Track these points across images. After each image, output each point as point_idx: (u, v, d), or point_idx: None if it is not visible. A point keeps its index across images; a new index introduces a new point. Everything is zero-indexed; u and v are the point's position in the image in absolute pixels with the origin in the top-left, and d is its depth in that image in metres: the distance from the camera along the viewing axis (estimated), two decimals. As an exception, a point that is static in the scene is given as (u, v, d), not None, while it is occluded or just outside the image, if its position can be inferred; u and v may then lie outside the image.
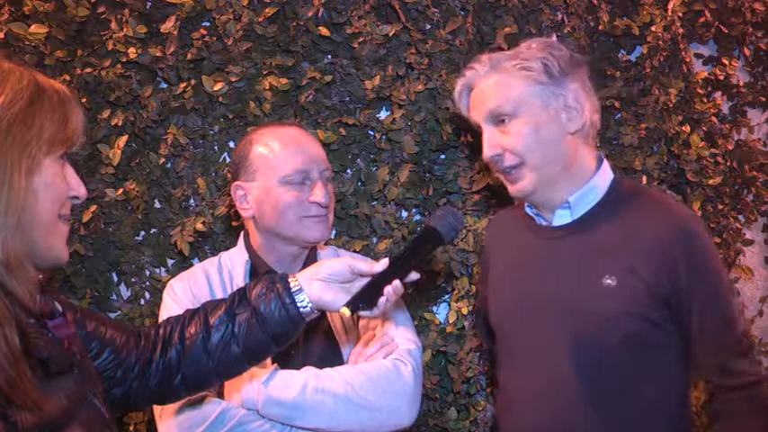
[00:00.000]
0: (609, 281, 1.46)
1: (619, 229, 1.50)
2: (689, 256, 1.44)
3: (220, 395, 1.49)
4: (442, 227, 1.35)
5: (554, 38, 2.24)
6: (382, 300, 1.27)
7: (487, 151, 1.53)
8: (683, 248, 1.44)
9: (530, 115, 1.49)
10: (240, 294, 1.30)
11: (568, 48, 1.55)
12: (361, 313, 1.28)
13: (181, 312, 1.40)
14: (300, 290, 1.27)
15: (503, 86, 1.50)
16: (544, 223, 1.59)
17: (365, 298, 1.26)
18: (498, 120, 1.51)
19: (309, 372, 1.48)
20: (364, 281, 1.30)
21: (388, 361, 1.52)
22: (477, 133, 2.17)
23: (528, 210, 1.60)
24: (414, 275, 1.32)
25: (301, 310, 1.26)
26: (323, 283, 1.27)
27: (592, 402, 1.47)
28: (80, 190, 1.06)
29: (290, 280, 1.28)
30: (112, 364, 1.21)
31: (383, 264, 1.29)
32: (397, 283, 1.28)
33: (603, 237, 1.50)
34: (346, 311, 1.25)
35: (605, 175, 1.56)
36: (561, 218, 1.55)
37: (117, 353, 1.22)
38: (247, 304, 1.27)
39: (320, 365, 1.50)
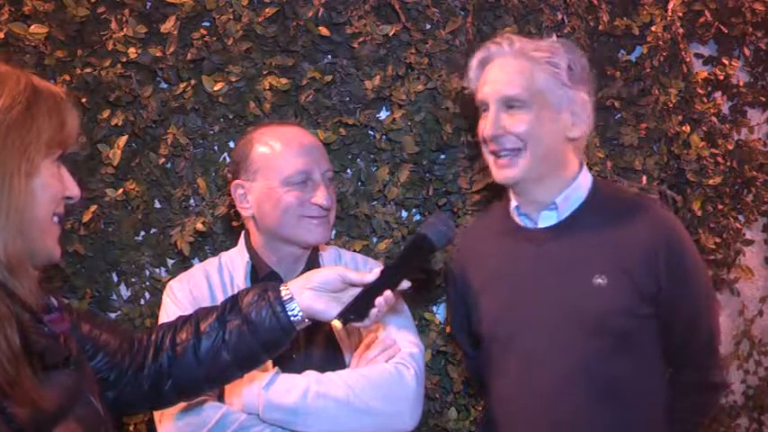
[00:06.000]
0: (599, 280, 1.49)
1: (605, 228, 1.52)
2: (669, 256, 1.49)
3: (220, 399, 1.48)
4: (433, 235, 1.34)
5: (554, 38, 2.25)
6: (374, 311, 1.27)
7: (490, 130, 1.53)
8: (664, 249, 1.49)
9: (540, 109, 1.50)
10: (232, 302, 1.30)
11: (585, 58, 1.58)
12: (353, 324, 1.28)
13: (180, 313, 1.40)
14: (291, 298, 1.27)
15: (526, 74, 1.51)
16: (530, 225, 1.59)
17: (356, 310, 1.27)
18: (509, 105, 1.51)
19: (311, 376, 1.47)
20: (356, 290, 1.29)
21: (390, 365, 1.51)
22: (476, 133, 2.17)
23: (515, 211, 1.60)
24: (405, 284, 1.31)
25: (292, 318, 1.27)
26: (314, 293, 1.28)
27: (593, 401, 1.48)
28: (74, 191, 1.07)
29: (281, 288, 1.29)
30: (106, 367, 1.22)
31: (374, 274, 1.29)
32: (388, 293, 1.28)
33: (590, 237, 1.52)
34: (338, 324, 1.26)
35: (586, 178, 1.58)
36: (547, 219, 1.57)
37: (111, 356, 1.23)
38: (238, 312, 1.27)
39: (321, 369, 1.50)
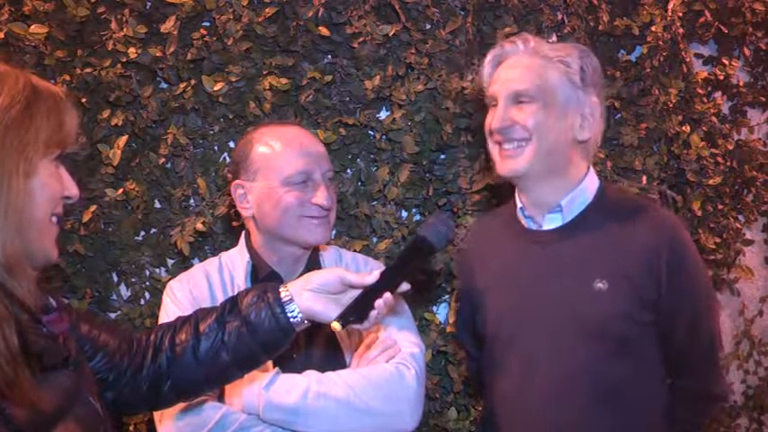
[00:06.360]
0: (600, 284, 1.48)
1: (608, 233, 1.52)
2: (670, 259, 1.48)
3: (221, 399, 1.48)
4: (433, 236, 1.32)
5: (554, 38, 2.25)
6: (373, 313, 1.27)
7: (497, 122, 1.53)
8: (666, 252, 1.48)
9: (549, 105, 1.50)
10: (231, 303, 1.30)
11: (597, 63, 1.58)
12: (353, 326, 1.28)
13: (180, 313, 1.40)
14: (291, 300, 1.27)
15: (538, 71, 1.51)
16: (534, 227, 1.59)
17: (356, 312, 1.26)
18: (518, 100, 1.52)
19: (311, 376, 1.47)
20: (356, 292, 1.29)
21: (391, 365, 1.50)
22: (477, 133, 2.18)
23: (520, 213, 1.60)
24: (405, 286, 1.31)
25: (291, 320, 1.26)
26: (313, 294, 1.27)
27: (591, 405, 1.49)
28: (73, 190, 1.07)
29: (280, 289, 1.29)
30: (105, 368, 1.22)
31: (374, 276, 1.28)
32: (388, 296, 1.27)
33: (593, 241, 1.52)
34: (337, 326, 1.25)
35: (593, 181, 1.58)
36: (552, 221, 1.56)
37: (110, 357, 1.23)
38: (238, 313, 1.27)
39: (322, 369, 1.49)
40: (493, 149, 1.57)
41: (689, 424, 1.59)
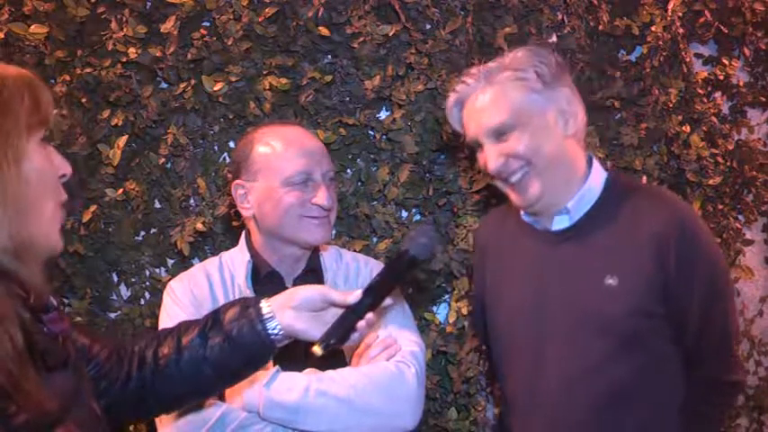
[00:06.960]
0: (610, 281, 1.47)
1: (616, 227, 1.51)
2: (680, 242, 1.46)
3: (221, 397, 1.48)
4: (414, 249, 1.29)
5: (554, 38, 2.25)
6: (355, 335, 1.27)
7: (492, 164, 1.52)
8: (676, 235, 1.46)
9: (529, 124, 1.49)
10: (214, 317, 1.30)
11: (552, 53, 1.56)
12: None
13: (181, 313, 1.40)
14: (273, 317, 1.26)
15: (500, 100, 1.49)
16: (540, 228, 1.59)
17: (338, 334, 1.25)
18: (499, 134, 1.51)
19: (311, 374, 1.47)
20: (339, 309, 1.28)
21: (391, 364, 1.50)
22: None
23: (525, 218, 1.60)
24: (388, 301, 1.30)
25: (272, 337, 1.26)
26: (294, 312, 1.26)
27: (605, 403, 1.48)
28: (66, 167, 1.07)
29: (262, 305, 1.28)
30: (96, 376, 1.22)
31: (357, 296, 1.26)
32: (370, 316, 1.26)
33: (602, 237, 1.51)
34: (318, 350, 1.24)
35: (598, 175, 1.56)
36: (560, 222, 1.56)
37: (101, 365, 1.23)
38: (220, 328, 1.27)
39: (322, 367, 1.49)
40: (503, 187, 1.57)
41: (706, 417, 1.55)
